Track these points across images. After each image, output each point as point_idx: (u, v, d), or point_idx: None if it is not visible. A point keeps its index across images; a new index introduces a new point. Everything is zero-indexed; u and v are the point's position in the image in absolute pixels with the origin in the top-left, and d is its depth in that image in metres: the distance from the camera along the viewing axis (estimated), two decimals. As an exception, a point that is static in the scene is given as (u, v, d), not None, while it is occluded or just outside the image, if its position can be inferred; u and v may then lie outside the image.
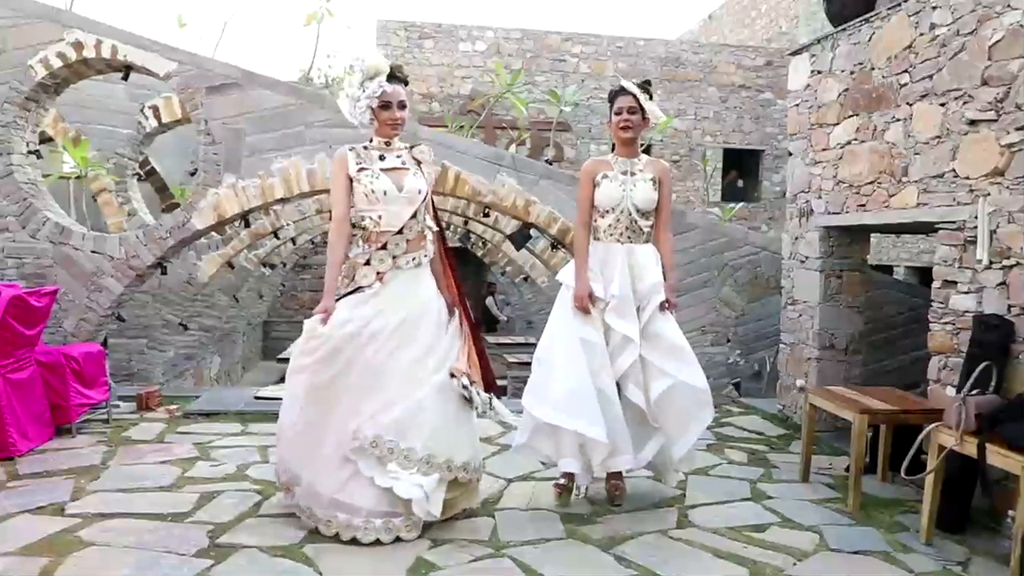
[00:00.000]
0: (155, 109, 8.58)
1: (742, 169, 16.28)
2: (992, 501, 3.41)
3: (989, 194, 3.65)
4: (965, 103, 3.80)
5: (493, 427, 4.81)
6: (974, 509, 3.52)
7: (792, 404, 5.49)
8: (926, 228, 4.44)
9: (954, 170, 3.89)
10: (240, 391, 6.37)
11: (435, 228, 3.42)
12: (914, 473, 3.43)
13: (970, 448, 3.09)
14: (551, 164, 11.40)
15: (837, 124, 4.97)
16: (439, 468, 3.12)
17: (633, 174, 3.61)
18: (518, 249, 8.59)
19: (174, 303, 8.63)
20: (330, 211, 7.80)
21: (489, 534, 3.21)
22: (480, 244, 10.99)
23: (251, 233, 8.02)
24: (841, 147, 4.93)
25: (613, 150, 3.74)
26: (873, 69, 4.59)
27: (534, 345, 3.91)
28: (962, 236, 3.81)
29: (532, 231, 6.81)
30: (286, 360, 10.24)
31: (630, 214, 3.58)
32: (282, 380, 9.56)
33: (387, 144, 3.30)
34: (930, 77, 4.07)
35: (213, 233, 6.69)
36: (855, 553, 3.16)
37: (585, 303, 3.49)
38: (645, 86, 3.60)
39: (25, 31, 5.67)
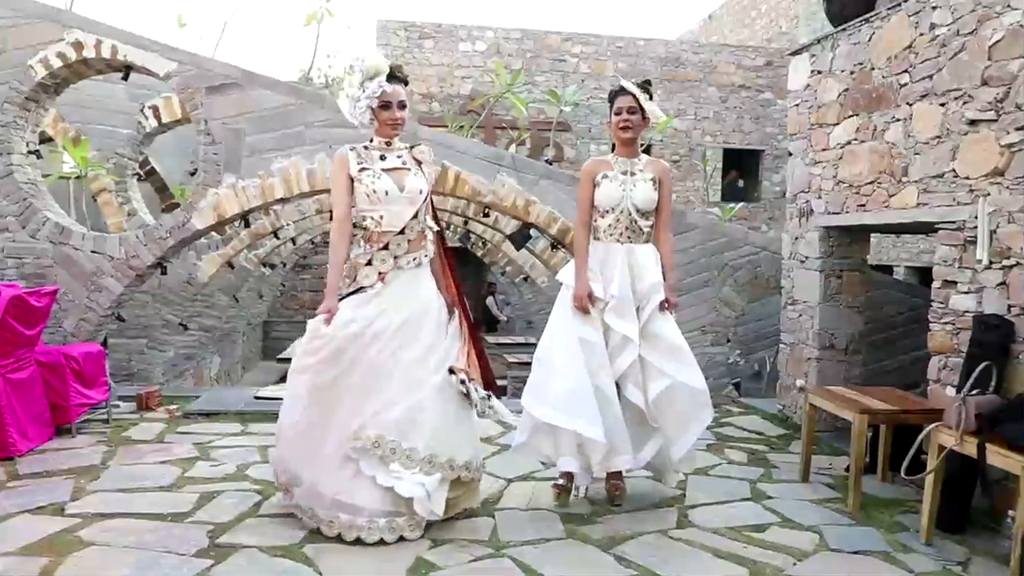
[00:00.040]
0: (155, 109, 8.58)
1: (742, 169, 16.28)
2: (992, 501, 3.41)
3: (989, 194, 3.65)
4: (965, 103, 3.80)
5: (493, 427, 4.81)
6: (974, 509, 3.52)
7: (792, 404, 5.49)
8: (926, 228, 4.44)
9: (954, 170, 3.89)
10: (240, 391, 6.37)
11: (435, 228, 3.43)
12: (914, 473, 3.43)
13: (970, 448, 3.09)
14: (551, 164, 11.40)
15: (837, 124, 4.97)
16: (441, 468, 3.13)
17: (633, 174, 3.61)
18: (518, 249, 8.59)
19: (174, 303, 8.63)
20: (330, 211, 7.87)
21: (489, 534, 3.21)
22: (480, 244, 10.99)
23: (251, 233, 8.02)
24: (841, 147, 4.93)
25: (613, 150, 3.73)
26: (873, 69, 4.59)
27: (534, 345, 3.91)
28: (962, 236, 3.81)
29: (532, 231, 6.81)
30: (286, 360, 10.32)
31: (630, 214, 3.58)
32: (282, 380, 9.54)
33: (387, 144, 3.30)
34: (930, 77, 4.07)
35: (213, 233, 6.69)
36: (855, 553, 3.16)
37: (584, 303, 3.49)
38: (645, 86, 3.60)
39: (25, 31, 5.67)
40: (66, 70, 5.73)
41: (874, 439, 4.19)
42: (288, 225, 8.50)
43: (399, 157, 3.29)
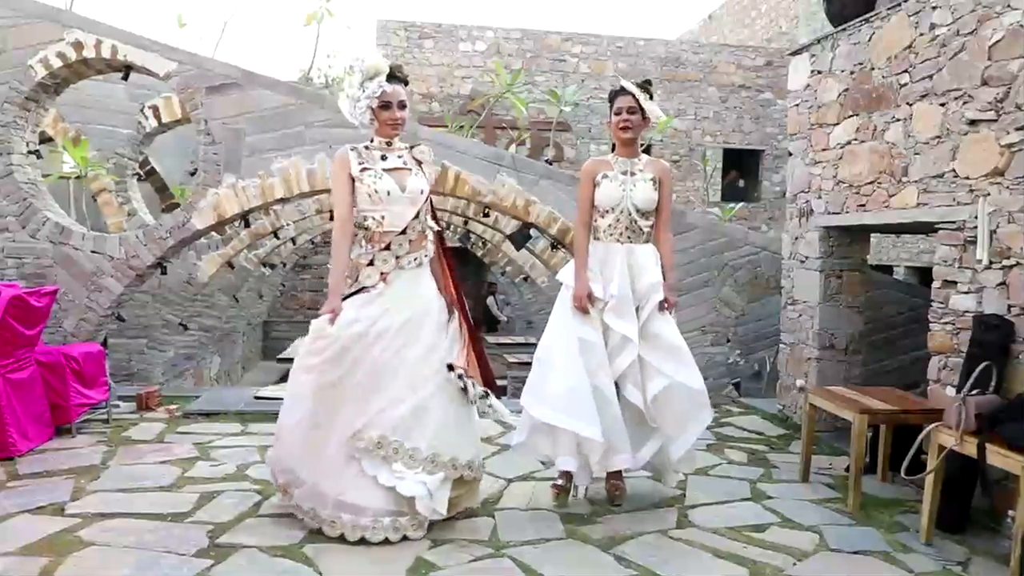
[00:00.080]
0: (155, 109, 8.58)
1: (742, 169, 16.28)
2: (992, 501, 3.41)
3: (989, 194, 3.65)
4: (965, 103, 3.80)
5: (493, 427, 4.81)
6: (974, 509, 3.52)
7: (792, 404, 5.49)
8: (926, 228, 4.44)
9: (954, 170, 3.89)
10: (240, 391, 6.37)
11: (435, 228, 3.43)
12: (914, 473, 3.43)
13: (970, 448, 3.09)
14: (551, 164, 11.40)
15: (837, 124, 4.97)
16: (444, 467, 3.14)
17: (633, 174, 3.61)
18: (518, 249, 8.59)
19: (174, 303, 8.63)
20: (330, 211, 7.88)
21: (489, 534, 3.21)
22: (480, 244, 11.00)
23: (251, 233, 8.02)
24: (841, 147, 4.93)
25: (613, 150, 3.74)
26: (873, 69, 4.59)
27: (534, 345, 3.91)
28: (962, 236, 3.81)
29: (532, 231, 6.81)
30: (286, 360, 10.33)
31: (630, 214, 3.58)
32: (282, 380, 9.54)
33: (388, 144, 3.30)
34: (930, 77, 4.07)
35: (213, 233, 6.69)
36: (855, 553, 3.16)
37: (584, 303, 3.49)
38: (645, 86, 3.60)
39: (25, 31, 5.67)
40: (66, 70, 5.73)
41: (874, 439, 4.19)
42: (288, 225, 8.50)
43: (400, 157, 3.30)
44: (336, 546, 3.00)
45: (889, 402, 3.81)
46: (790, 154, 5.67)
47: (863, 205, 4.69)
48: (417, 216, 3.25)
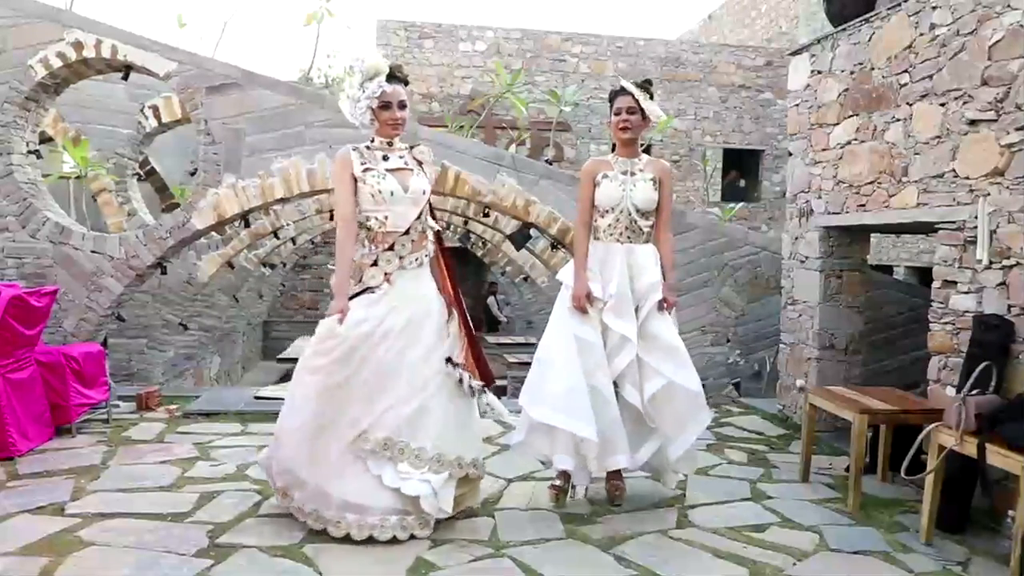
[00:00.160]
0: (155, 109, 8.58)
1: (742, 169, 16.28)
2: (992, 501, 3.41)
3: (989, 194, 3.65)
4: (965, 103, 3.80)
5: (493, 427, 4.81)
6: (974, 509, 3.52)
7: (792, 404, 5.49)
8: (926, 228, 4.44)
9: (954, 170, 3.89)
10: (240, 391, 6.37)
11: (436, 227, 3.43)
12: (914, 473, 3.43)
13: (970, 448, 3.09)
14: (551, 164, 11.40)
15: (837, 124, 4.97)
16: (449, 466, 3.15)
17: (633, 174, 3.61)
18: (518, 249, 8.59)
19: (174, 303, 8.63)
20: (330, 211, 7.88)
21: (489, 534, 3.21)
22: (480, 244, 10.99)
23: (251, 233, 8.02)
24: (841, 147, 4.93)
25: (613, 150, 3.74)
26: (873, 69, 4.59)
27: (534, 345, 3.91)
28: (962, 236, 3.81)
29: (532, 231, 6.81)
30: (286, 360, 10.35)
31: (630, 214, 3.58)
32: (282, 380, 9.53)
33: (389, 144, 3.30)
34: (930, 77, 4.07)
35: (213, 233, 6.69)
36: (855, 553, 3.16)
37: (583, 303, 3.49)
38: (645, 86, 3.60)
39: (25, 31, 5.67)
40: (66, 70, 5.73)
41: (874, 439, 4.19)
42: (288, 225, 8.50)
43: (401, 158, 3.30)
44: (336, 546, 3.00)
45: (889, 402, 3.81)
46: (790, 154, 5.68)
47: (863, 205, 4.69)
48: (419, 216, 3.26)
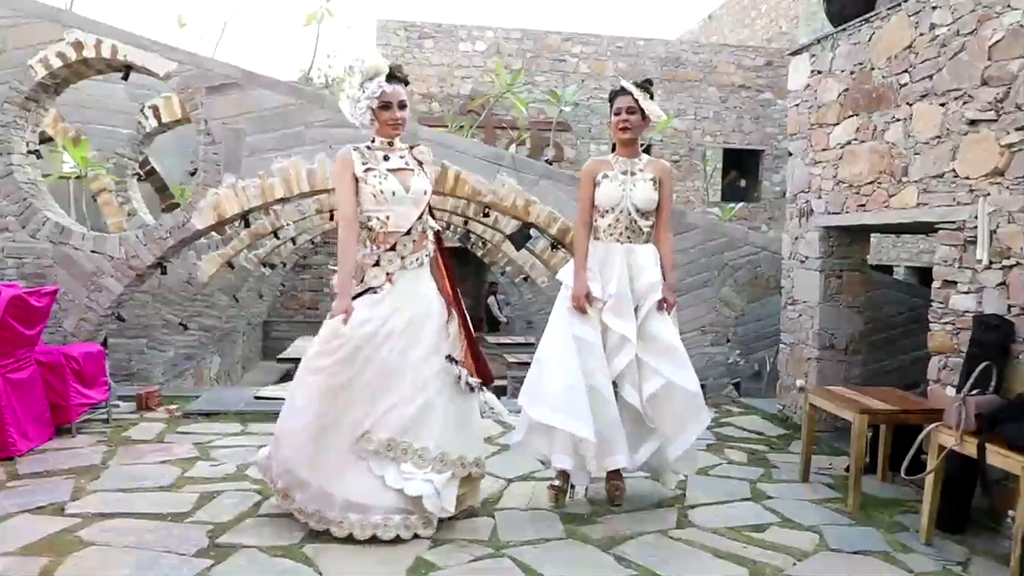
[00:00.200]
0: (155, 109, 8.58)
1: (742, 169, 16.29)
2: (992, 501, 3.41)
3: (989, 194, 3.65)
4: (965, 103, 3.80)
5: (493, 427, 4.81)
6: (974, 509, 3.52)
7: (792, 404, 5.49)
8: (926, 228, 4.44)
9: (954, 170, 3.89)
10: (240, 391, 6.37)
11: (436, 227, 3.43)
12: (914, 473, 3.43)
13: (970, 448, 3.09)
14: (551, 164, 11.40)
15: (837, 124, 4.97)
16: (452, 465, 3.16)
17: (633, 174, 3.61)
18: (518, 249, 8.58)
19: (174, 303, 8.63)
20: (330, 211, 7.87)
21: (489, 534, 3.21)
22: (480, 244, 10.99)
23: (251, 233, 8.02)
24: (841, 147, 4.93)
25: (614, 150, 3.74)
26: (873, 69, 4.59)
27: (534, 345, 3.91)
28: (962, 236, 3.81)
29: (532, 231, 6.81)
30: (286, 360, 10.35)
31: (630, 214, 3.58)
32: (282, 380, 9.51)
33: (390, 144, 3.30)
34: (930, 77, 4.07)
35: (213, 233, 6.69)
36: (855, 553, 3.16)
37: (582, 302, 3.49)
38: (645, 85, 3.59)
39: (25, 31, 5.67)
40: (66, 70, 5.73)
41: (874, 439, 4.19)
42: (288, 225, 8.50)
43: (402, 158, 3.30)
44: (336, 546, 3.00)
45: (889, 402, 3.81)
46: (790, 154, 5.68)
47: (863, 205, 4.69)
48: (420, 216, 3.26)
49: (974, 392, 3.24)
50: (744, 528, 3.38)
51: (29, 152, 5.93)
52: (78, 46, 5.59)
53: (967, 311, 3.77)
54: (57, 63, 5.61)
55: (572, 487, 3.66)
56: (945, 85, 3.94)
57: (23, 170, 5.79)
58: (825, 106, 5.11)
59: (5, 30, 5.66)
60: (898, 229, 6.87)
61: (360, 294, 3.19)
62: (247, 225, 7.54)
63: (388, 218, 3.19)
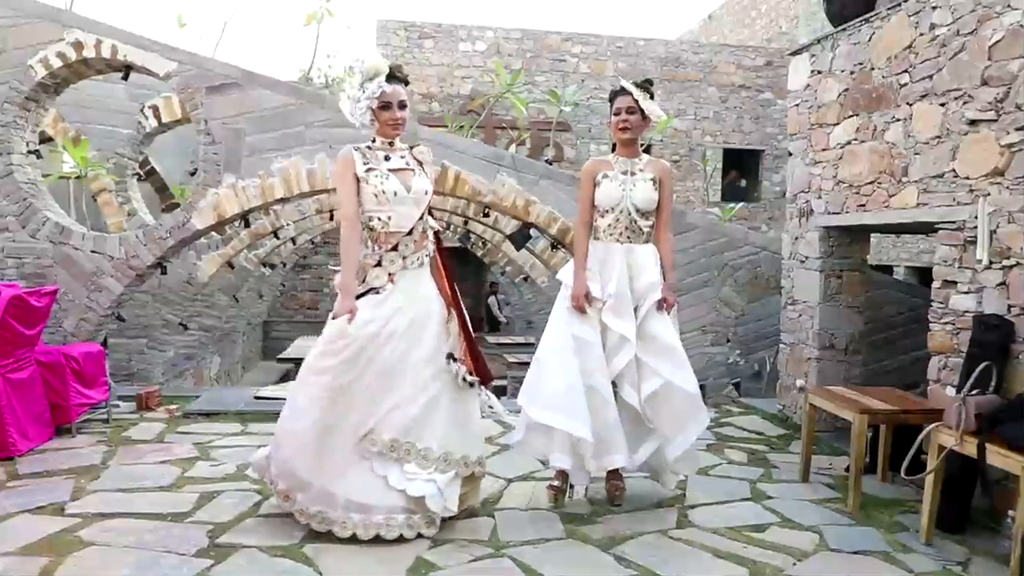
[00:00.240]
0: (155, 109, 8.58)
1: (742, 169, 16.29)
2: (992, 501, 3.41)
3: (989, 194, 3.65)
4: (965, 103, 3.80)
5: (493, 427, 4.80)
6: (974, 509, 3.52)
7: (792, 404, 5.48)
8: (926, 228, 4.44)
9: (954, 170, 3.89)
10: (240, 391, 6.36)
11: (436, 227, 3.44)
12: (914, 473, 3.43)
13: (970, 448, 3.09)
14: (551, 164, 11.40)
15: (837, 124, 4.97)
16: (456, 465, 3.18)
17: (633, 174, 3.61)
18: (518, 249, 8.58)
19: (174, 303, 8.63)
20: (330, 211, 7.87)
21: (489, 534, 3.22)
22: (480, 244, 10.98)
23: (251, 233, 8.01)
24: (841, 147, 4.93)
25: (614, 150, 3.74)
26: (873, 69, 4.59)
27: (534, 345, 3.91)
28: (962, 236, 3.81)
29: (532, 231, 6.81)
30: (286, 360, 10.33)
31: (630, 214, 3.58)
32: (282, 380, 9.50)
33: (390, 145, 3.30)
34: (930, 77, 4.07)
35: (213, 233, 6.69)
36: (855, 553, 3.16)
37: (581, 302, 3.49)
38: (646, 85, 3.59)
39: (25, 31, 5.67)
40: (66, 70, 5.73)
41: (874, 439, 4.19)
42: (288, 225, 8.49)
43: (402, 158, 3.30)
44: (336, 546, 3.00)
45: (889, 402, 3.81)
46: (790, 154, 5.68)
47: (863, 205, 4.69)
48: (422, 217, 3.27)
49: (974, 392, 3.24)
50: (744, 528, 3.38)
51: (29, 152, 5.93)
52: (78, 46, 5.59)
53: (967, 311, 3.77)
54: (57, 63, 5.61)
55: (571, 487, 3.66)
56: (945, 85, 3.94)
57: (23, 170, 5.79)
58: (825, 106, 5.11)
59: (5, 30, 5.66)
60: (898, 229, 6.87)
61: (363, 294, 3.19)
62: (247, 225, 7.54)
63: (390, 218, 3.19)
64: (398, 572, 2.82)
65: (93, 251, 5.71)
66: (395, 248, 3.22)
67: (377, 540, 3.02)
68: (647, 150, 11.48)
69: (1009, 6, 3.55)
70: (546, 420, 3.37)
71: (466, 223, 9.32)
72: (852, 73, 4.81)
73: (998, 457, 2.99)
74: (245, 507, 3.41)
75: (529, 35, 15.17)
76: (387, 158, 3.26)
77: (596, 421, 3.35)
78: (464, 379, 3.24)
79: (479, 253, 11.53)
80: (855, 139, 4.77)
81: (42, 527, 3.12)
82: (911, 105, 4.23)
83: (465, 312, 3.42)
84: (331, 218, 8.36)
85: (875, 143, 4.56)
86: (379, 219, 3.19)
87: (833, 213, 5.04)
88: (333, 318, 3.13)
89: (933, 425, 3.32)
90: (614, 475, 3.64)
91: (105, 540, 3.01)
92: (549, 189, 6.34)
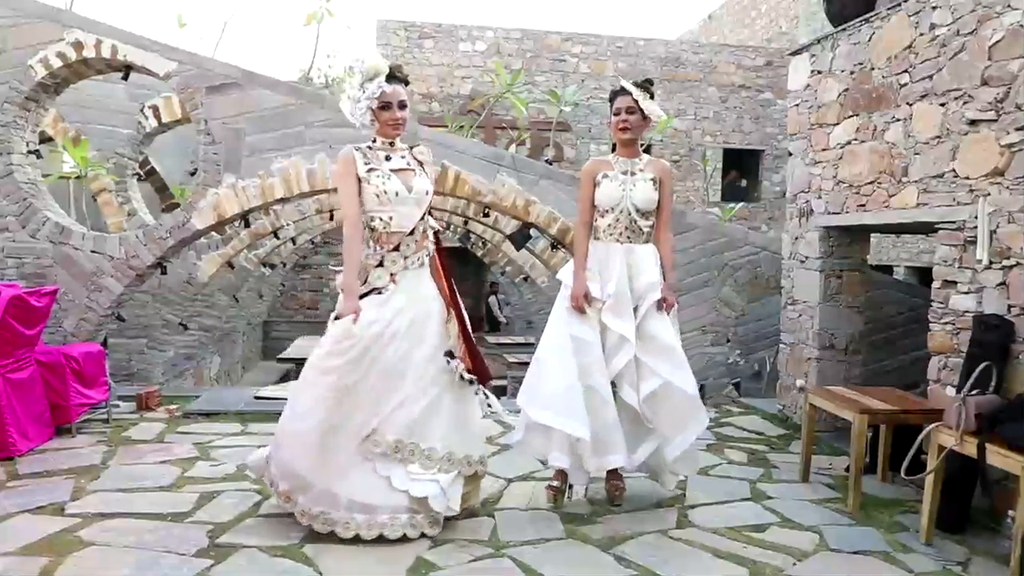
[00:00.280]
0: (155, 109, 8.58)
1: (742, 169, 16.29)
2: (992, 501, 3.41)
3: (989, 194, 3.65)
4: (965, 103, 3.80)
5: (493, 427, 4.81)
6: (974, 509, 3.52)
7: (792, 404, 5.48)
8: (926, 228, 4.44)
9: (954, 170, 3.89)
10: (240, 391, 6.36)
11: (436, 227, 3.44)
12: (914, 473, 3.43)
13: (970, 448, 3.09)
14: (551, 164, 11.40)
15: (837, 124, 4.97)
16: (459, 464, 3.19)
17: (633, 174, 3.61)
18: (518, 249, 8.58)
19: (174, 303, 8.63)
20: (331, 211, 7.87)
21: (489, 534, 3.22)
22: (480, 244, 10.98)
23: (251, 233, 8.01)
24: (841, 147, 4.93)
25: (614, 150, 3.74)
26: (873, 69, 4.59)
27: (534, 345, 3.91)
28: (962, 236, 3.81)
29: (532, 231, 6.81)
30: (286, 360, 10.33)
31: (630, 214, 3.58)
32: (282, 380, 9.50)
33: (391, 145, 3.30)
34: (930, 77, 4.07)
35: (213, 233, 6.69)
36: (855, 553, 3.16)
37: (581, 302, 3.49)
38: (646, 85, 3.59)
39: (25, 31, 5.67)
40: (66, 70, 5.73)
41: (874, 439, 4.19)
42: (288, 225, 8.49)
43: (403, 158, 3.30)
44: (336, 546, 3.00)
45: (889, 402, 3.81)
46: (790, 154, 5.68)
47: (863, 205, 4.69)
48: (422, 217, 3.27)
49: (974, 392, 3.24)
50: (744, 528, 3.38)
51: (29, 152, 5.93)
52: (78, 46, 5.59)
53: (967, 311, 3.77)
54: (57, 63, 5.61)
55: (571, 487, 3.66)
56: (945, 85, 3.94)
57: (23, 170, 5.79)
58: (825, 106, 5.11)
59: (5, 30, 5.66)
60: (898, 229, 6.87)
61: (365, 294, 3.19)
62: (247, 225, 7.53)
63: (391, 218, 3.19)
64: (398, 572, 2.82)
65: (93, 251, 5.71)
66: (397, 248, 3.22)
67: (380, 540, 3.02)
68: (647, 150, 11.47)
69: (1009, 6, 3.55)
70: (545, 420, 3.37)
71: (466, 223, 9.32)
72: (852, 73, 4.81)
73: (998, 457, 2.99)
74: (245, 507, 3.41)
75: (529, 35, 15.17)
76: (388, 158, 3.25)
77: (595, 421, 3.35)
78: (462, 376, 3.25)
79: (479, 253, 11.52)
80: (855, 139, 4.77)
81: (42, 527, 3.12)
82: (911, 105, 4.23)
83: (464, 312, 3.42)
84: (331, 218, 8.36)
85: (875, 143, 4.56)
86: (381, 219, 3.19)
87: (833, 213, 5.04)
88: (336, 318, 3.12)
89: (933, 425, 3.32)
90: (614, 475, 3.64)
91: (105, 540, 3.01)
92: (549, 189, 6.34)
